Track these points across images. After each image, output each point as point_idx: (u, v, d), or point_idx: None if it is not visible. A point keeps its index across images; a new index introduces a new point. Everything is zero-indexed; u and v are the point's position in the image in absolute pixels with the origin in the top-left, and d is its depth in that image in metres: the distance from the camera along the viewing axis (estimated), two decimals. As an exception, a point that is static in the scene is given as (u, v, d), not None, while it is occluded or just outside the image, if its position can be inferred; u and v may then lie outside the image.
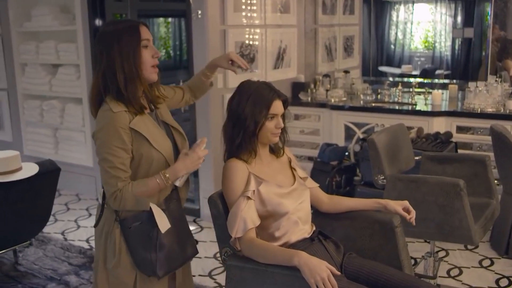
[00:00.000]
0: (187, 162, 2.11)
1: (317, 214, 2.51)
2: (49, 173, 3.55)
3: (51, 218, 4.46)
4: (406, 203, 2.37)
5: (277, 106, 2.22)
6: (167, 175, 2.09)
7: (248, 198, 2.14)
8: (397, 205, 2.36)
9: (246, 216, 2.11)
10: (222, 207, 2.25)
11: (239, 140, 2.22)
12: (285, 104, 2.29)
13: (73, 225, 4.82)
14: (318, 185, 2.49)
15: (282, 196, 2.22)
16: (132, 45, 2.07)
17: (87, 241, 4.44)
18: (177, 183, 2.16)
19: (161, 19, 6.98)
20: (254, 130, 2.20)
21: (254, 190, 2.17)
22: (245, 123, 2.20)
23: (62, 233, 4.62)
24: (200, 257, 4.05)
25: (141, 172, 2.11)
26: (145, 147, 2.09)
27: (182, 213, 2.30)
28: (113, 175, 2.03)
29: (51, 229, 4.65)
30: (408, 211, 2.36)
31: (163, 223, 2.12)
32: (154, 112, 2.24)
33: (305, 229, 2.26)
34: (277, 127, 2.23)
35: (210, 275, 3.77)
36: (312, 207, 2.42)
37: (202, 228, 4.66)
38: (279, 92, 2.26)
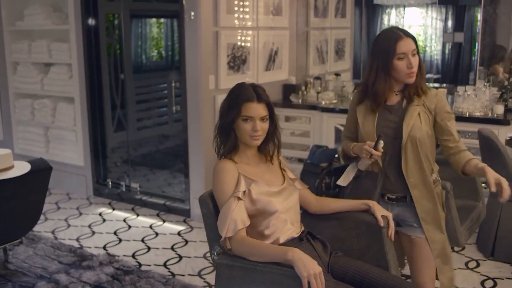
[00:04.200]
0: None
1: (306, 215, 2.55)
2: (41, 172, 3.56)
3: (42, 217, 4.48)
4: (389, 216, 2.42)
5: (250, 108, 2.24)
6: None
7: (239, 198, 2.18)
8: (379, 212, 2.40)
9: (236, 217, 2.14)
10: (212, 206, 2.28)
11: (220, 137, 2.31)
12: (269, 108, 2.30)
13: (63, 224, 4.83)
14: (307, 186, 2.53)
15: (271, 195, 2.25)
16: (386, 57, 2.47)
17: (77, 240, 4.46)
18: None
19: (154, 20, 6.99)
20: (228, 128, 2.27)
21: (244, 191, 2.20)
22: (225, 120, 2.28)
23: (52, 232, 4.63)
24: (189, 257, 4.08)
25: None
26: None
27: None
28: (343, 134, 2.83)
29: (41, 228, 4.66)
30: (388, 224, 2.41)
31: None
32: (405, 105, 2.58)
33: (293, 229, 2.30)
34: (253, 130, 2.25)
35: (199, 274, 3.80)
36: (301, 208, 2.46)
37: (192, 228, 4.68)
38: (260, 96, 2.27)
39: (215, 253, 2.29)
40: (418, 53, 2.51)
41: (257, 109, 2.25)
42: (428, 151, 2.59)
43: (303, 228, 2.37)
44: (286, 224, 2.27)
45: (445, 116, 2.57)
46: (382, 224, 2.37)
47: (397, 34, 2.49)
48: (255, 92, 2.27)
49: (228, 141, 2.29)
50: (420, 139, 2.54)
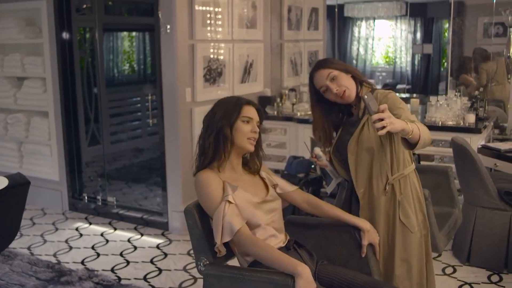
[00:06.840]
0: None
1: (289, 224, 2.58)
2: (19, 187, 3.51)
3: (17, 233, 4.41)
4: (376, 243, 2.45)
5: (249, 110, 2.33)
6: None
7: (229, 202, 2.20)
8: (366, 241, 2.41)
9: (230, 220, 2.16)
10: (198, 217, 2.30)
11: (213, 145, 2.29)
12: (259, 113, 2.38)
13: (39, 239, 4.77)
14: (296, 187, 2.56)
15: (255, 207, 2.28)
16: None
17: (55, 255, 4.40)
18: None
19: (125, 33, 6.99)
20: (228, 131, 2.28)
21: (232, 195, 2.22)
22: (219, 125, 2.28)
23: (28, 248, 4.56)
24: (170, 270, 4.06)
25: None
26: None
27: None
28: None
29: (16, 244, 4.59)
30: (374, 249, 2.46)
31: None
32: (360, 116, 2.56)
33: (280, 238, 2.33)
34: (253, 131, 2.31)
35: (180, 287, 3.79)
36: (288, 213, 2.51)
37: (170, 241, 4.67)
38: (251, 101, 2.38)
39: (201, 264, 2.30)
40: None
41: (253, 112, 2.35)
42: (383, 158, 2.46)
43: (288, 237, 2.40)
44: (274, 236, 2.30)
45: (397, 113, 2.32)
46: (363, 255, 2.41)
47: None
48: (244, 98, 2.39)
49: (225, 146, 2.29)
50: (368, 148, 2.46)
